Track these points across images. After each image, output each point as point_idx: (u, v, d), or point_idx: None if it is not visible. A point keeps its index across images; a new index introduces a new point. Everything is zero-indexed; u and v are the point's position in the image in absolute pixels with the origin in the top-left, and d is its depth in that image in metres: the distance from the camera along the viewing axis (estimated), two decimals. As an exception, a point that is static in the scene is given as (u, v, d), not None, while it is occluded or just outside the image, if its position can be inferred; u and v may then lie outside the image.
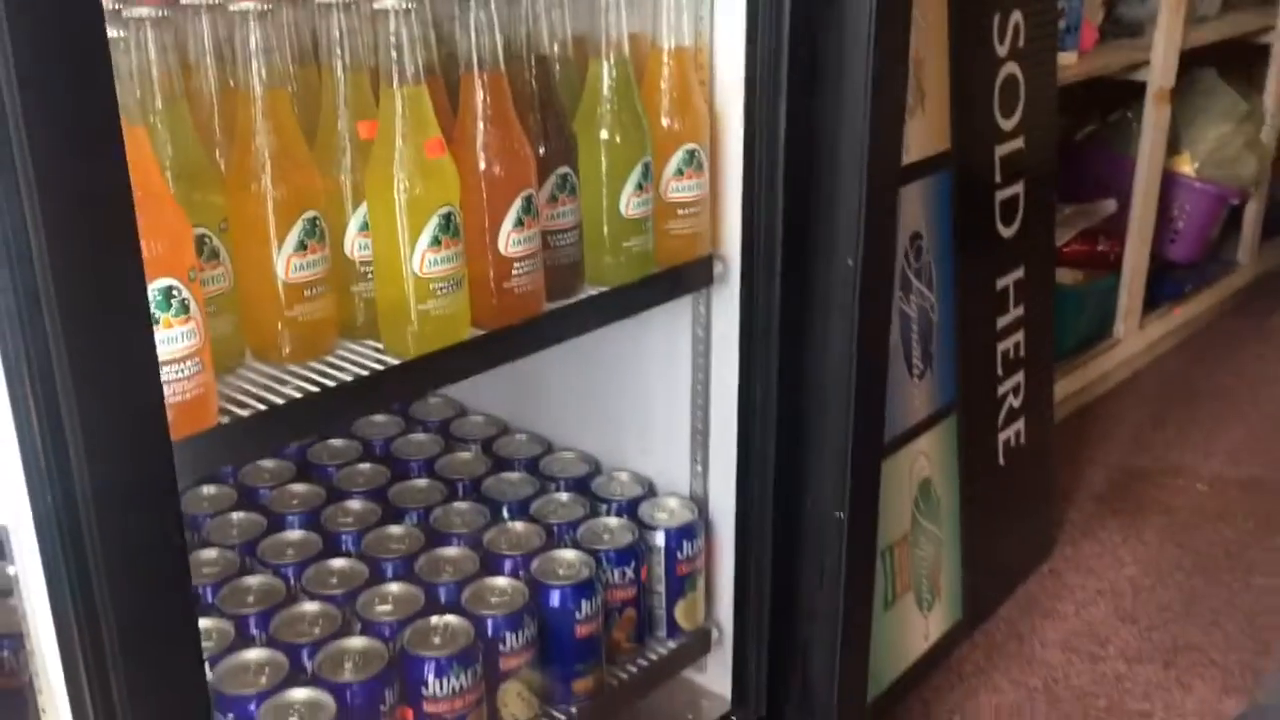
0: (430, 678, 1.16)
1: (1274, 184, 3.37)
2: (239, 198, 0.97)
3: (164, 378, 0.81)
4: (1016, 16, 1.89)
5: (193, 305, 0.86)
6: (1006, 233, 1.98)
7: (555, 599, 1.27)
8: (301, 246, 0.98)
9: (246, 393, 0.96)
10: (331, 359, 1.03)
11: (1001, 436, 2.06)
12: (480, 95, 1.05)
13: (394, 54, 0.97)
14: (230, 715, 1.08)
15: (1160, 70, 2.69)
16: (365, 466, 1.50)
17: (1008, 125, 1.93)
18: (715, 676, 1.52)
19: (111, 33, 0.73)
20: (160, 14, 0.91)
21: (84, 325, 0.71)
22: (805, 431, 1.36)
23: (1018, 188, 1.98)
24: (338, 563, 1.29)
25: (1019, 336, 2.06)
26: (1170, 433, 2.77)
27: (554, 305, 1.16)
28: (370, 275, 1.05)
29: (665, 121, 1.22)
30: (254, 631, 1.20)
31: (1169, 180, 2.93)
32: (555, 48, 1.16)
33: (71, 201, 0.69)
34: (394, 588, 1.25)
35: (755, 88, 1.24)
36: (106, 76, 0.70)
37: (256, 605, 1.22)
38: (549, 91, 1.14)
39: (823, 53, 1.22)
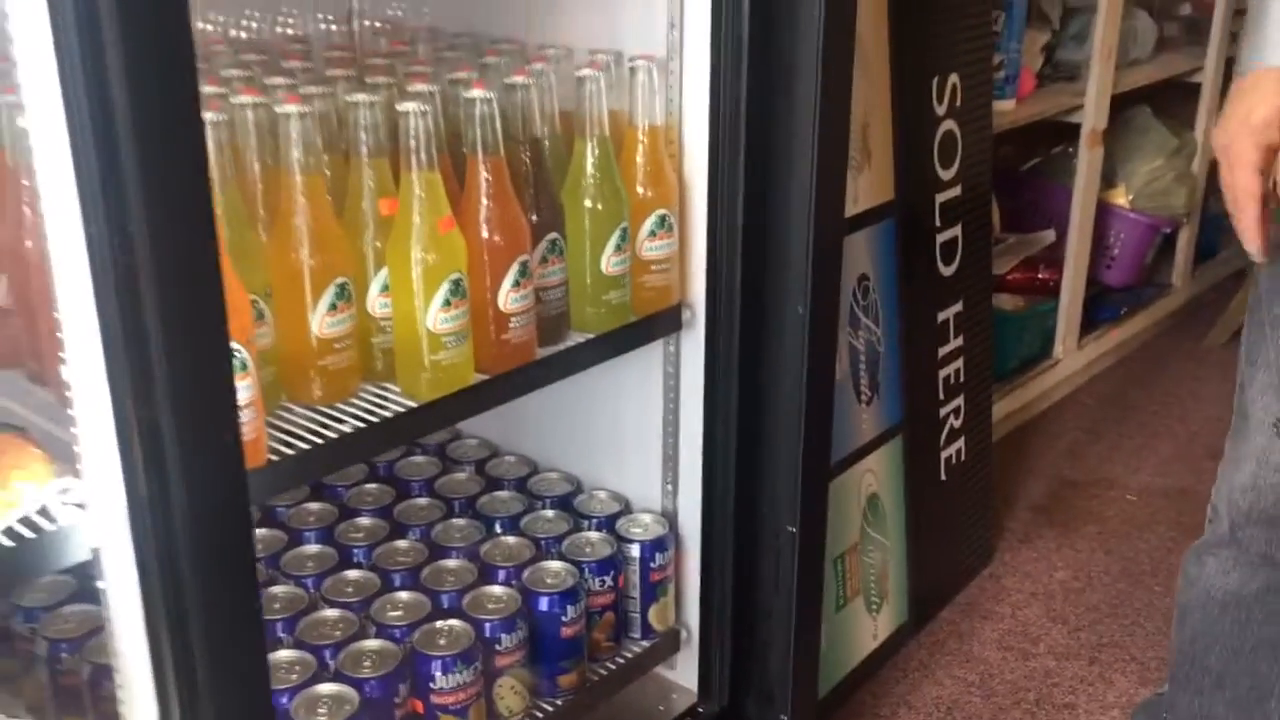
0: (437, 674, 1.27)
1: (1205, 212, 3.41)
2: (281, 267, 1.11)
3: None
4: (954, 79, 1.99)
5: (249, 363, 1.01)
6: (947, 271, 2.08)
7: (544, 604, 1.38)
8: (333, 307, 1.13)
9: (289, 433, 1.10)
10: (355, 400, 1.17)
11: (943, 454, 2.14)
12: (483, 176, 1.19)
13: (412, 144, 1.12)
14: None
15: (1092, 114, 2.75)
16: (372, 486, 1.60)
17: (946, 175, 2.02)
18: (684, 672, 1.60)
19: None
20: (219, 118, 1.05)
21: (183, 385, 0.86)
22: (762, 455, 1.46)
23: (956, 230, 2.07)
24: (353, 574, 1.41)
25: (959, 364, 2.15)
26: (1104, 447, 2.84)
27: (545, 351, 1.29)
28: (389, 329, 1.19)
29: (640, 190, 1.33)
30: (281, 635, 1.33)
31: (1105, 211, 3.00)
32: (545, 128, 1.29)
33: (184, 286, 0.84)
34: (404, 596, 1.37)
35: (718, 160, 1.35)
36: (205, 178, 0.84)
37: (283, 612, 1.34)
38: (541, 168, 1.27)
39: (774, 128, 1.34)
